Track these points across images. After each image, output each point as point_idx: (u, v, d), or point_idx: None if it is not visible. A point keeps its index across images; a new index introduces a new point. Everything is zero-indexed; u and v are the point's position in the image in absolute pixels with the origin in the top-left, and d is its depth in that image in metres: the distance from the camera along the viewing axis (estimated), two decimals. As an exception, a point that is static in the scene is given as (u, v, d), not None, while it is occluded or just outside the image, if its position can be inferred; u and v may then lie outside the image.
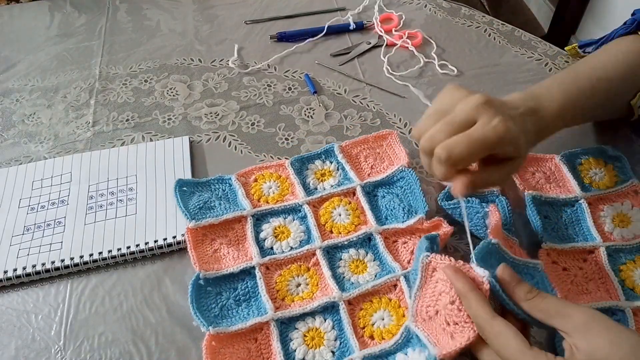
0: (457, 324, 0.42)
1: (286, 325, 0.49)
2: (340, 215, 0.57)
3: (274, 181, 0.60)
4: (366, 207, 0.57)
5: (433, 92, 0.71)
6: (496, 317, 0.39)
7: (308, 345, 0.47)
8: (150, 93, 0.74)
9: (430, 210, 0.56)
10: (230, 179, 0.60)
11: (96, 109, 0.72)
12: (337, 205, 0.58)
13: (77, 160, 0.64)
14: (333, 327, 0.49)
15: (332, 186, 0.60)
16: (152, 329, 0.50)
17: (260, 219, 0.57)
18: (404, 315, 0.49)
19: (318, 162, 0.62)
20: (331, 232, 0.56)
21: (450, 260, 0.44)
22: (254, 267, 0.52)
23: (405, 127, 0.67)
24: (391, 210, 0.57)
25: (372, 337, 0.48)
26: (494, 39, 0.80)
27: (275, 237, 0.56)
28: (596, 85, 0.54)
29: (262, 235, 0.55)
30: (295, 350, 0.47)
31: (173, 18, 0.88)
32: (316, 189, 0.60)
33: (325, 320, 0.49)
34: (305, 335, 0.48)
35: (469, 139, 0.44)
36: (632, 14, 0.62)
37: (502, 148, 0.45)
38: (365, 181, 0.59)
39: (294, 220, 0.57)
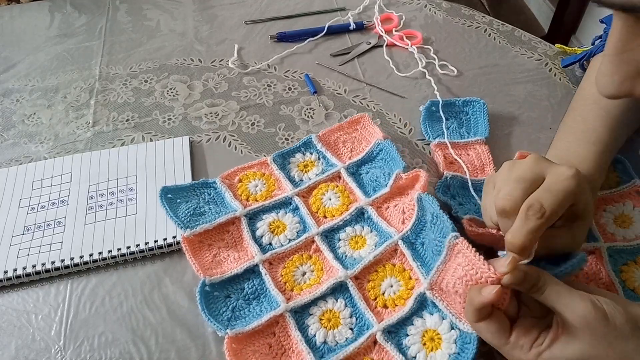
0: None
1: (300, 313, 0.49)
2: (330, 199, 0.58)
3: (259, 179, 0.61)
4: (353, 186, 0.58)
5: (433, 92, 0.71)
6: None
7: (326, 327, 0.48)
8: (150, 93, 0.74)
9: (408, 168, 0.57)
10: (214, 182, 0.60)
11: (96, 109, 0.72)
12: (325, 191, 0.59)
13: (77, 160, 0.64)
14: (346, 305, 0.49)
15: (316, 175, 0.61)
16: (152, 329, 0.50)
17: (253, 217, 0.57)
18: (410, 278, 0.50)
19: (299, 155, 0.63)
20: (324, 217, 0.57)
21: (470, 250, 0.43)
22: (257, 265, 0.52)
23: (405, 127, 0.67)
24: (375, 181, 0.58)
25: (385, 307, 0.49)
26: (494, 39, 0.80)
27: (272, 232, 0.56)
28: (614, 120, 0.55)
29: (258, 233, 0.56)
30: (315, 335, 0.47)
31: (173, 18, 0.88)
32: (302, 180, 0.61)
33: (337, 300, 0.50)
34: (321, 319, 0.49)
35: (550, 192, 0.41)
36: (601, 21, 0.63)
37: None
38: (347, 163, 0.60)
39: (286, 213, 0.57)
